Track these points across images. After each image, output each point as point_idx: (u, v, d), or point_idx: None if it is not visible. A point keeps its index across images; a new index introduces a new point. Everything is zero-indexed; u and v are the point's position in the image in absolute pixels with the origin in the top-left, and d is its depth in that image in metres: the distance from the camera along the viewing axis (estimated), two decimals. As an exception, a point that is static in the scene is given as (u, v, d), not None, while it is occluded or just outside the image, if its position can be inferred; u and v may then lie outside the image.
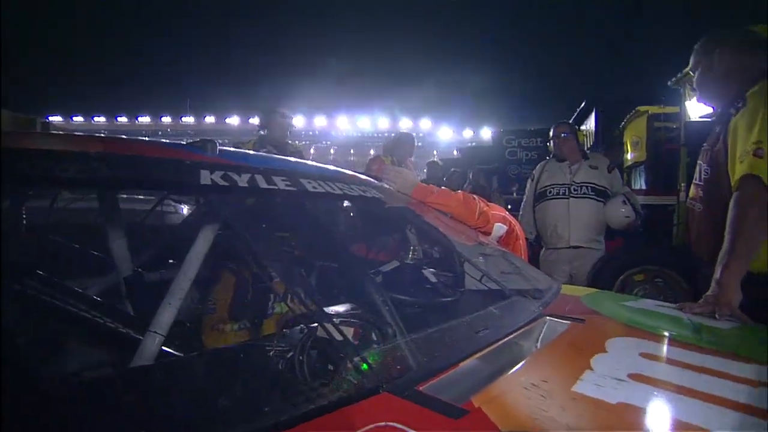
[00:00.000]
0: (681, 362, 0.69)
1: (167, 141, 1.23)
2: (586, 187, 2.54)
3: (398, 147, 3.28)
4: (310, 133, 30.05)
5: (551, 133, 2.74)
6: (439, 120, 28.98)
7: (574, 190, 2.55)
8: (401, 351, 0.65)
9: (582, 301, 1.16)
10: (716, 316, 1.05)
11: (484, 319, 0.83)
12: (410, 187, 1.56)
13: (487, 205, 1.73)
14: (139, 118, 28.30)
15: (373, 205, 1.25)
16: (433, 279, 1.35)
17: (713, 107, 1.44)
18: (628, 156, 7.63)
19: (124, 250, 1.11)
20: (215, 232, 0.92)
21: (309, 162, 1.56)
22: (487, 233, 1.72)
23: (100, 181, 0.77)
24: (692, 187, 1.43)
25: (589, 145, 8.45)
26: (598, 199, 2.51)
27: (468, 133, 29.22)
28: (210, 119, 28.16)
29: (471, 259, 1.43)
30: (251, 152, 1.46)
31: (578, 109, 8.82)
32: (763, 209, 1.10)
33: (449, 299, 1.22)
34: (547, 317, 0.95)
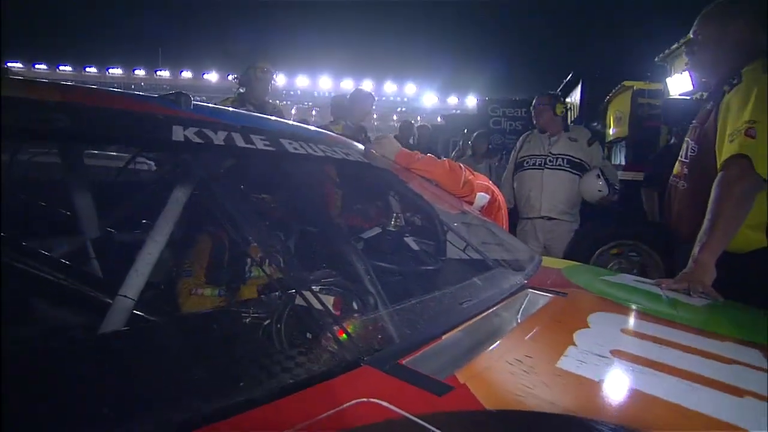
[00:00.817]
0: (659, 338, 0.70)
1: (138, 93, 1.14)
2: (562, 159, 2.55)
3: (354, 108, 2.91)
4: (292, 92, 29.09)
5: (533, 104, 2.72)
6: (423, 85, 28.52)
7: (550, 161, 2.57)
8: (383, 322, 0.63)
9: (563, 273, 1.16)
10: (690, 293, 1.07)
11: (467, 291, 0.82)
12: (393, 153, 1.51)
13: (472, 174, 1.71)
14: (110, 70, 26.62)
15: (356, 169, 1.20)
16: (415, 247, 1.33)
17: (703, 82, 1.42)
18: (610, 131, 7.72)
19: (90, 209, 1.04)
20: (188, 193, 0.86)
21: (290, 122, 1.49)
22: (470, 203, 1.70)
23: (59, 134, 0.70)
24: (677, 164, 1.43)
25: (573, 118, 8.49)
26: (574, 171, 2.52)
27: (453, 100, 28.87)
28: (187, 74, 26.81)
29: (454, 227, 1.42)
30: (228, 109, 1.38)
31: (565, 81, 8.78)
32: (747, 191, 1.10)
33: (431, 268, 1.22)
34: (530, 290, 0.94)
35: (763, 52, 1.24)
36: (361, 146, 1.45)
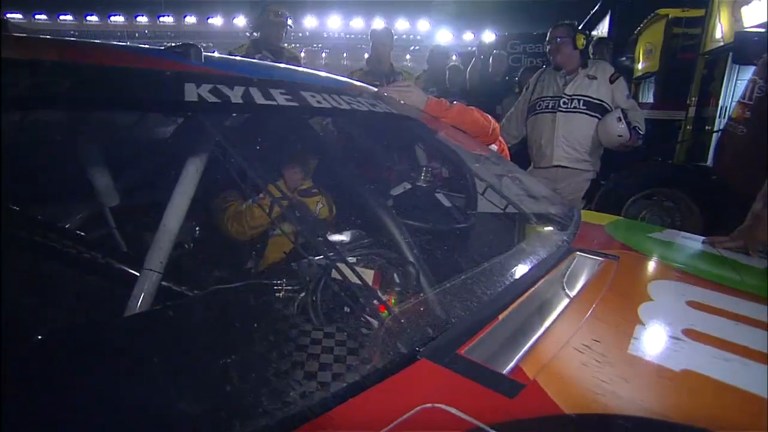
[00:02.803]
0: (731, 313, 0.64)
1: (144, 46, 1.03)
2: (578, 100, 2.27)
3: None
4: (300, 34, 27.67)
5: (547, 37, 2.42)
6: (438, 21, 26.73)
7: (564, 103, 2.29)
8: (434, 303, 0.57)
9: (606, 231, 1.09)
10: (748, 251, 0.99)
11: (515, 259, 0.76)
12: (422, 102, 1.40)
13: (495, 125, 1.58)
14: (112, 18, 25.62)
15: (384, 121, 1.11)
16: (447, 203, 1.26)
17: None
18: (639, 66, 7.21)
19: (104, 176, 0.98)
20: (205, 159, 0.79)
21: (309, 70, 1.37)
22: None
23: (59, 99, 0.62)
24: (737, 106, 1.29)
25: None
26: (591, 114, 2.25)
27: (468, 36, 27.15)
28: (191, 19, 25.65)
29: (491, 181, 1.33)
30: (241, 59, 1.27)
31: (592, 12, 8.11)
32: None
33: (468, 226, 1.15)
34: (577, 252, 0.87)
35: None
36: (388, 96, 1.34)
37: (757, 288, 0.76)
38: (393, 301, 0.70)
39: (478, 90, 3.81)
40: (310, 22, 26.32)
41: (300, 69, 1.32)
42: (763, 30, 1.73)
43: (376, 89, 1.39)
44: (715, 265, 0.90)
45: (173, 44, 0.92)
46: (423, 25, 27.10)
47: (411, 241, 0.76)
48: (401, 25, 25.71)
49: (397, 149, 1.34)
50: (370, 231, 0.92)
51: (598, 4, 7.81)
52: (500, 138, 1.74)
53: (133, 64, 0.80)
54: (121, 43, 1.07)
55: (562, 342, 0.52)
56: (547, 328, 0.56)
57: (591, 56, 3.61)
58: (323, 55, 28.40)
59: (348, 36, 30.26)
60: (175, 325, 0.69)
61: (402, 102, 1.37)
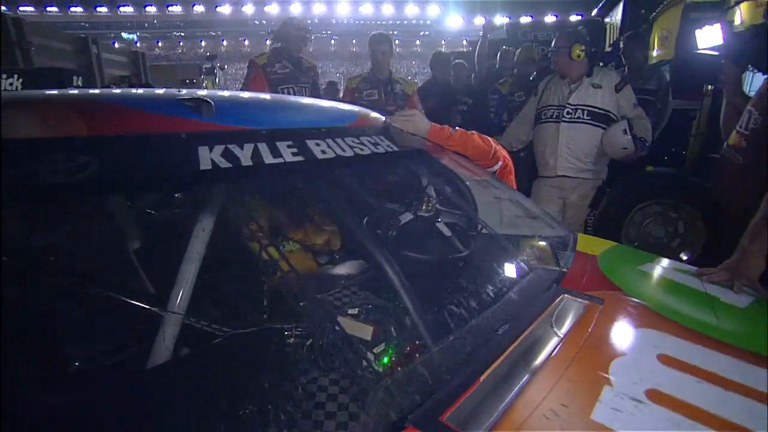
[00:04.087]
0: (700, 370, 0.69)
1: (154, 94, 1.10)
2: (581, 110, 2.28)
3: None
4: (308, 21, 27.56)
5: (552, 45, 2.42)
6: (448, 6, 26.23)
7: (567, 113, 2.30)
8: (423, 368, 0.64)
9: (599, 264, 1.14)
10: (734, 287, 1.04)
11: (502, 311, 0.82)
12: (425, 130, 1.45)
13: (497, 144, 1.63)
14: (121, 8, 25.78)
15: (388, 162, 1.17)
16: (447, 233, 1.32)
17: None
18: (654, 53, 7.04)
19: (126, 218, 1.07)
20: (214, 218, 0.86)
21: (314, 104, 1.43)
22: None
23: (93, 190, 0.71)
24: (734, 134, 1.32)
25: (613, 40, 7.77)
26: (596, 124, 2.25)
27: (479, 21, 26.60)
28: (199, 8, 25.66)
29: (488, 209, 1.40)
30: (244, 97, 1.33)
31: (605, -2, 7.94)
32: None
33: (463, 256, 1.21)
34: (565, 295, 0.93)
35: None
36: (390, 125, 1.39)
37: (730, 335, 0.82)
38: (390, 351, 0.78)
39: (486, 85, 3.81)
40: (318, 8, 26.07)
41: (305, 105, 1.38)
42: (715, 53, 1.73)
43: (382, 116, 1.45)
44: (695, 305, 0.95)
45: (183, 96, 0.98)
46: (433, 9, 26.68)
47: (412, 293, 0.84)
48: (411, 10, 25.31)
49: (401, 186, 1.39)
50: (371, 275, 1.00)
51: (612, -9, 7.65)
52: (503, 152, 1.78)
53: (148, 127, 0.86)
54: (129, 94, 1.14)
55: (532, 407, 0.59)
56: (523, 390, 0.63)
57: (621, 52, 3.54)
58: (332, 41, 28.26)
59: (357, 22, 29.97)
60: (193, 374, 0.78)
61: (404, 128, 1.43)
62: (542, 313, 0.85)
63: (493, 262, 1.15)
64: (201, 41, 32.25)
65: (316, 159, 0.95)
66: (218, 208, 0.87)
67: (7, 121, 0.75)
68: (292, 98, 1.43)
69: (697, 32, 2.03)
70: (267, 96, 1.47)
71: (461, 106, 3.93)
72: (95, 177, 0.70)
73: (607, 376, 0.66)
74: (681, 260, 2.31)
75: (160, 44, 31.82)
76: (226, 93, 1.48)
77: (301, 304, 0.90)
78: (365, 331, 0.75)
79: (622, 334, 0.81)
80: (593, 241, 1.33)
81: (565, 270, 1.07)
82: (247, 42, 29.71)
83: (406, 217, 1.32)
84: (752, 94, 2.05)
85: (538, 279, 0.97)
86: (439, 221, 1.32)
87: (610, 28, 8.35)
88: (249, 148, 0.89)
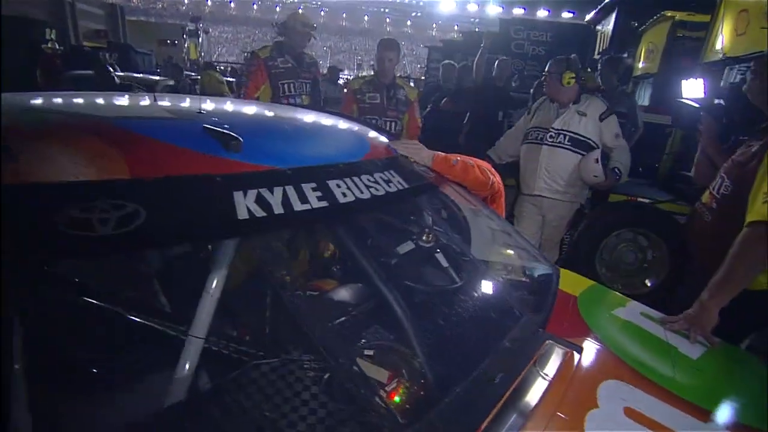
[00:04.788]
0: (658, 425, 0.83)
1: (179, 121, 1.12)
2: (564, 135, 2.40)
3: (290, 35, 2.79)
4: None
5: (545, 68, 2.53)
6: (443, -12, 25.87)
7: (550, 137, 2.43)
8: (430, 424, 0.74)
9: (578, 306, 1.27)
10: (690, 338, 1.19)
11: (497, 361, 0.94)
12: (428, 160, 1.53)
13: (492, 174, 1.72)
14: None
15: (400, 199, 1.25)
16: (444, 263, 1.42)
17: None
18: (639, 65, 7.30)
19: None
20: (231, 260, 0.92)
21: (321, 125, 1.48)
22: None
23: (139, 242, 0.76)
24: (707, 193, 1.46)
25: (603, 47, 7.95)
26: (575, 150, 2.38)
27: (473, 7, 26.39)
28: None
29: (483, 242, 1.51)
30: (263, 123, 1.36)
31: (600, 6, 8.07)
32: (766, 257, 1.17)
33: (458, 287, 1.32)
34: (548, 341, 1.06)
35: None
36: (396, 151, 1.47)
37: (683, 389, 0.97)
38: (402, 391, 0.88)
39: (483, 93, 3.90)
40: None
41: (321, 132, 1.42)
42: (696, 105, 1.90)
43: (387, 141, 1.52)
44: (657, 355, 1.10)
45: (211, 127, 1.02)
46: (427, -9, 26.26)
47: (420, 337, 0.94)
48: (405, -11, 24.90)
49: (409, 221, 1.48)
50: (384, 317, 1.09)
51: (606, 1, 7.78)
52: (495, 177, 1.87)
53: (182, 168, 0.90)
54: (149, 116, 1.15)
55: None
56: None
57: (598, 74, 3.70)
58: (321, 13, 27.39)
59: (349, -4, 29.41)
60: (215, 408, 0.86)
61: (412, 160, 1.50)
62: (531, 359, 0.98)
63: (486, 305, 1.26)
64: (184, -2, 30.76)
65: (339, 204, 1.02)
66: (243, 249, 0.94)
67: (43, 158, 0.80)
68: (307, 121, 1.48)
69: (683, 83, 2.18)
70: (282, 118, 1.50)
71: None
72: (143, 229, 0.73)
73: (583, 428, 0.79)
74: (646, 286, 2.53)
75: (137, -5, 30.12)
76: (243, 108, 1.51)
77: (316, 334, 0.99)
78: (381, 375, 0.85)
79: (597, 384, 0.93)
80: (574, 280, 1.46)
81: (549, 308, 1.19)
82: (233, 5, 28.37)
83: (407, 246, 1.42)
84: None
85: (527, 324, 1.09)
86: (437, 252, 1.43)
87: (601, 36, 8.52)
88: (279, 193, 0.94)
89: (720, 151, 1.63)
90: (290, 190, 0.97)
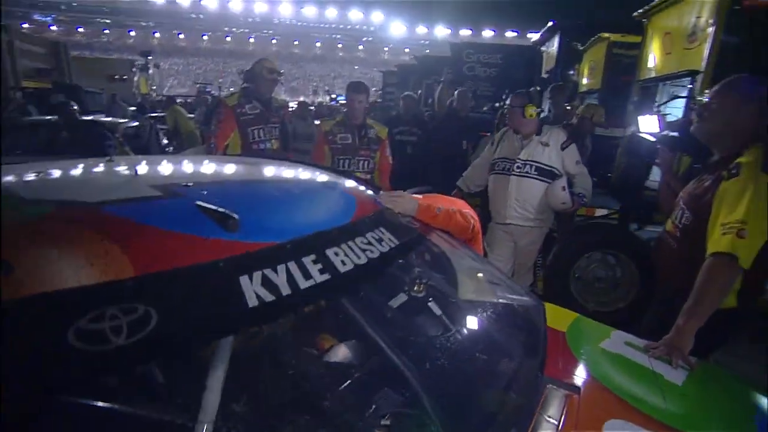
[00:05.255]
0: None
1: (170, 202, 1.10)
2: (530, 165, 2.53)
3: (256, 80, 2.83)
4: (249, 20, 26.57)
5: (507, 102, 2.71)
6: (392, 13, 26.76)
7: (518, 168, 2.55)
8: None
9: (567, 343, 1.34)
10: (672, 363, 1.28)
11: (509, 415, 0.98)
12: (413, 210, 1.58)
13: (474, 218, 1.79)
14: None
15: (393, 257, 1.28)
16: (437, 312, 1.46)
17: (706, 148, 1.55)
18: (584, 80, 7.85)
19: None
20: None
21: (304, 187, 1.50)
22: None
23: (154, 349, 0.74)
24: (670, 222, 1.59)
25: (551, 67, 8.48)
26: (542, 179, 2.52)
27: (422, 30, 27.45)
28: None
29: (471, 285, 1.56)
30: (250, 193, 1.36)
31: (544, 30, 8.62)
32: (731, 281, 1.29)
33: (454, 337, 1.36)
34: (549, 384, 1.11)
35: (761, 138, 1.37)
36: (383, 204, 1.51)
37: (674, 419, 1.04)
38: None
39: (445, 124, 4.05)
40: (260, 7, 25.36)
41: (307, 195, 1.43)
42: (653, 138, 2.10)
43: (370, 194, 1.56)
44: (646, 386, 1.17)
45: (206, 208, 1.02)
46: (377, 16, 27.02)
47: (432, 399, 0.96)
48: (354, 15, 25.50)
49: (399, 273, 1.51)
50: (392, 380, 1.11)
51: (550, 23, 8.34)
52: (473, 218, 1.95)
53: (186, 256, 0.88)
54: (142, 201, 1.06)
55: None
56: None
57: (549, 99, 3.96)
58: (273, 41, 27.53)
59: (300, 24, 29.54)
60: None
61: (393, 208, 1.55)
62: (537, 406, 1.02)
63: (485, 353, 1.31)
64: (130, 31, 29.92)
65: (340, 274, 1.04)
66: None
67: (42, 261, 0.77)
68: (293, 183, 1.50)
69: (639, 118, 2.39)
70: (267, 181, 1.50)
71: (411, 136, 4.13)
72: (157, 332, 0.71)
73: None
74: (619, 303, 2.68)
75: (81, 30, 29.09)
76: (225, 172, 1.51)
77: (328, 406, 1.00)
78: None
79: (600, 425, 0.99)
80: (558, 313, 1.54)
81: (543, 351, 1.25)
82: (182, 36, 28.05)
83: (401, 299, 1.46)
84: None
85: (528, 371, 1.14)
86: (430, 300, 1.47)
87: (546, 56, 9.07)
88: (282, 271, 0.94)
89: (678, 179, 1.78)
90: (293, 267, 0.98)
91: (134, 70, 18.34)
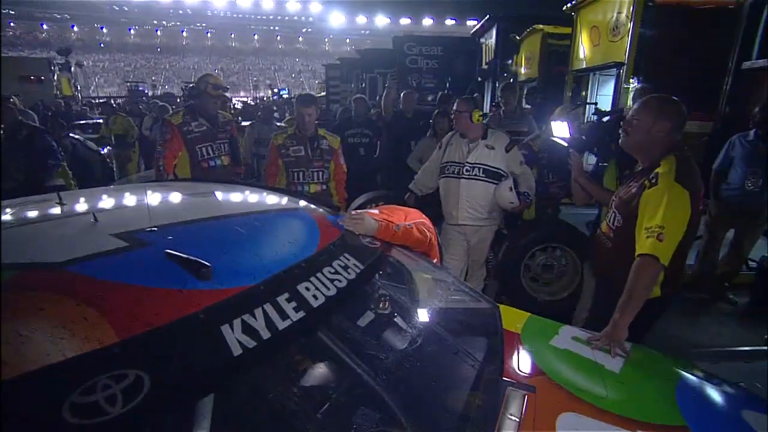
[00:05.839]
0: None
1: (137, 256, 1.07)
2: (478, 168, 2.68)
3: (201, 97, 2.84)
4: (180, 12, 25.06)
5: (453, 107, 2.83)
6: (330, 2, 26.31)
7: (466, 171, 2.70)
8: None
9: (523, 344, 1.49)
10: (611, 353, 1.47)
11: (478, 421, 1.10)
12: (373, 230, 1.66)
13: (430, 231, 1.90)
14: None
15: (360, 282, 1.35)
16: (404, 326, 1.56)
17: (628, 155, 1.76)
18: (522, 70, 8.29)
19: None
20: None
21: (264, 217, 1.53)
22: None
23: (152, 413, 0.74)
24: (605, 224, 1.80)
25: (489, 59, 8.82)
26: (489, 180, 2.67)
27: (361, 20, 27.28)
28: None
29: (431, 292, 1.67)
30: (215, 218, 1.38)
31: (481, 22, 8.94)
32: (654, 276, 1.50)
33: (420, 345, 1.46)
34: (509, 387, 1.25)
35: (674, 149, 1.59)
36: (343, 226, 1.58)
37: (615, 405, 1.21)
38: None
39: (392, 125, 4.15)
40: (191, -1, 24.06)
41: (269, 227, 1.45)
42: (565, 144, 2.36)
43: (330, 218, 1.63)
44: (591, 377, 1.35)
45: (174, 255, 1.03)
46: (315, 6, 26.49)
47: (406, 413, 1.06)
48: (292, 6, 24.87)
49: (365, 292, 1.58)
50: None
51: (487, 16, 8.67)
52: (429, 230, 2.06)
53: (165, 313, 0.88)
54: (108, 258, 1.02)
55: None
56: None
57: (499, 98, 4.18)
58: (208, 35, 26.25)
59: (235, 15, 28.33)
60: None
61: (353, 229, 1.62)
62: (500, 408, 1.15)
63: (448, 362, 1.42)
64: (42, 24, 27.27)
65: (313, 309, 1.09)
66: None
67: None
68: (256, 215, 1.52)
69: (552, 123, 2.62)
70: (229, 215, 1.50)
71: (363, 138, 4.21)
72: (152, 395, 0.73)
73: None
74: (564, 291, 2.93)
75: (-21, 24, 26.09)
76: (185, 207, 1.51)
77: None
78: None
79: (554, 418, 1.14)
80: (512, 314, 1.69)
81: (502, 357, 1.39)
82: (105, 30, 25.96)
83: (368, 317, 1.54)
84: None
85: (490, 377, 1.27)
86: (396, 316, 1.56)
87: (485, 48, 9.42)
88: (260, 315, 0.98)
89: (587, 179, 2.06)
90: (269, 308, 1.01)
91: (52, 69, 16.84)
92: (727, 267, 3.27)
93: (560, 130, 2.56)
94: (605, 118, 2.49)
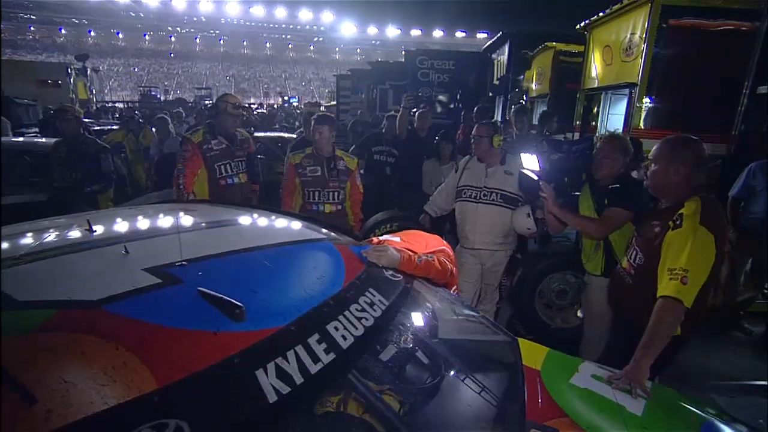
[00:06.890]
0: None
1: (175, 293, 1.06)
2: (496, 193, 2.69)
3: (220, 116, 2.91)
4: (195, 19, 25.48)
5: (473, 132, 2.83)
6: (342, 13, 26.58)
7: (484, 195, 2.71)
8: None
9: (543, 381, 1.49)
10: (632, 394, 1.46)
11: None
12: (396, 262, 1.67)
13: (450, 262, 1.92)
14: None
15: (387, 320, 1.35)
16: (425, 360, 1.57)
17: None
18: (533, 86, 8.32)
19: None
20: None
21: (293, 252, 1.53)
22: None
23: None
24: (625, 260, 1.80)
25: (501, 75, 8.87)
26: (507, 206, 2.69)
27: (372, 30, 27.47)
28: None
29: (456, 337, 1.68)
30: (250, 272, 1.38)
31: (494, 38, 9.00)
32: (678, 321, 1.50)
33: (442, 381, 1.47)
34: (531, 429, 1.25)
35: (699, 189, 1.59)
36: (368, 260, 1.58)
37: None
38: None
39: (408, 143, 4.19)
40: (205, 6, 24.38)
41: (299, 265, 1.46)
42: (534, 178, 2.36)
43: (353, 249, 1.64)
44: (614, 421, 1.34)
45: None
46: (327, 16, 26.74)
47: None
48: (304, 15, 25.15)
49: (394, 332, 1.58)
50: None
51: (500, 33, 8.74)
52: (451, 261, 2.06)
53: (202, 358, 0.88)
54: (142, 296, 1.01)
55: None
56: None
57: (513, 120, 4.22)
58: (221, 42, 26.61)
59: (248, 23, 28.66)
60: None
61: (377, 262, 1.63)
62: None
63: (471, 400, 1.41)
64: (60, 29, 27.75)
65: (344, 351, 1.10)
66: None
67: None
68: (281, 249, 1.52)
69: (522, 155, 2.61)
70: (256, 248, 1.50)
71: (389, 158, 4.21)
72: None
73: None
74: (579, 318, 2.91)
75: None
76: (212, 241, 1.52)
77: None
78: None
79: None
80: (531, 349, 1.69)
81: (524, 397, 1.39)
82: (121, 35, 26.42)
83: (390, 351, 1.54)
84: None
85: (513, 418, 1.28)
86: (417, 351, 1.57)
87: (497, 63, 9.49)
88: (293, 358, 0.98)
89: (560, 208, 2.14)
90: (301, 351, 1.01)
91: (69, 73, 17.14)
92: (745, 295, 3.25)
93: (529, 162, 2.56)
94: (574, 148, 2.50)
